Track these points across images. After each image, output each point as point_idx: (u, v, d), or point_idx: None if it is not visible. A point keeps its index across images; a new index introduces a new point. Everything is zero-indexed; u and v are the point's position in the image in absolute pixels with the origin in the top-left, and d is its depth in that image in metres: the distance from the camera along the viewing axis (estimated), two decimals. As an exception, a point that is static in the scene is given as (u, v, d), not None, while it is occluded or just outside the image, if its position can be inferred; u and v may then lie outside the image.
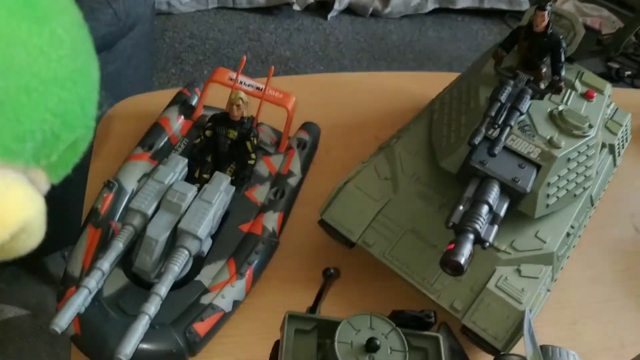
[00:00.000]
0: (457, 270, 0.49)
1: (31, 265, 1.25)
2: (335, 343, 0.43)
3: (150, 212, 0.51)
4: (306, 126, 0.71)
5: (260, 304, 0.59)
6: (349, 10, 2.26)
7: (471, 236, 0.50)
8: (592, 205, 0.68)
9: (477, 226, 0.51)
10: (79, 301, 0.46)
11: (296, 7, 2.13)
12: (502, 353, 0.54)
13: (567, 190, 0.60)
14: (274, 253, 0.60)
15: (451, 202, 0.59)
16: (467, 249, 0.49)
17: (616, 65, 2.41)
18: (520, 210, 0.58)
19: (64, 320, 0.44)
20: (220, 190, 0.54)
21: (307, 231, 0.65)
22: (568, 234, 0.62)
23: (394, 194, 0.61)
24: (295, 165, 0.66)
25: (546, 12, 0.58)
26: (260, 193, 0.63)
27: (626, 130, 0.77)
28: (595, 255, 0.74)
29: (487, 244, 0.51)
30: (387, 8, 2.26)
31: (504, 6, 2.42)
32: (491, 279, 0.56)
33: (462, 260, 0.48)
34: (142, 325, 0.45)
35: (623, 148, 0.78)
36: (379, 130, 0.80)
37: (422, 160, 0.63)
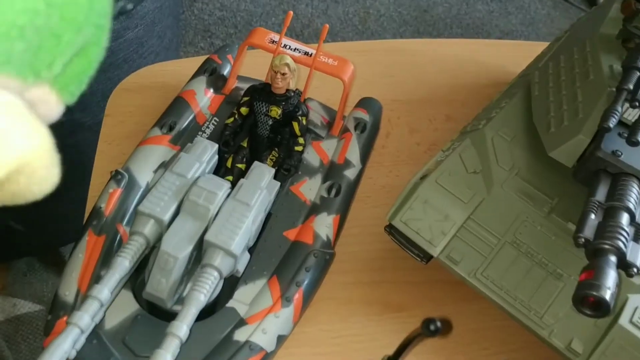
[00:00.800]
0: (600, 309, 0.34)
1: (47, 256, 1.14)
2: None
3: (167, 217, 0.38)
4: (365, 103, 0.56)
5: (310, 334, 0.45)
6: (391, -20, 2.08)
7: (614, 258, 0.36)
8: None
9: (621, 244, 0.36)
10: (66, 345, 0.33)
11: (334, -24, 1.97)
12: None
13: None
14: (329, 268, 0.46)
15: (564, 206, 0.45)
16: (611, 277, 0.34)
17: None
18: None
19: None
20: (262, 187, 0.41)
21: (367, 238, 0.52)
22: None
23: (488, 193, 0.46)
24: (354, 153, 0.51)
25: None
26: (309, 188, 0.49)
27: None
28: None
29: (635, 269, 0.36)
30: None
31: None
32: (624, 312, 0.41)
33: (608, 295, 0.34)
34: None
35: None
36: (450, 108, 0.66)
37: (522, 149, 0.48)
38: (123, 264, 0.36)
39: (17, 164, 0.19)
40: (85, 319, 0.33)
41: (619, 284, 0.35)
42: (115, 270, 0.36)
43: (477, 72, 0.71)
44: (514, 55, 0.72)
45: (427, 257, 0.46)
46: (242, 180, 0.41)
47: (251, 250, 0.43)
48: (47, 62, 0.21)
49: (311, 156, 0.51)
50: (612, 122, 0.40)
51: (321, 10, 1.95)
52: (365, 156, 0.53)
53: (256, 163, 0.43)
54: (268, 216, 0.46)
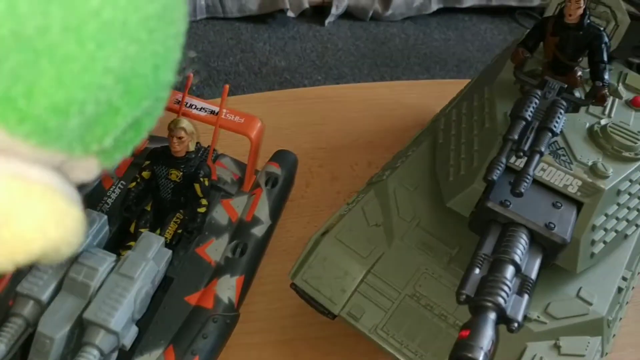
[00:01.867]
0: (475, 370, 0.34)
1: None
2: None
3: (45, 297, 0.37)
4: (278, 156, 0.56)
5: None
6: (347, 15, 2.11)
7: (492, 315, 0.36)
8: (647, 244, 0.53)
9: (501, 299, 0.36)
10: None
11: (290, 14, 1.99)
12: None
13: (616, 231, 0.46)
14: (231, 332, 0.45)
15: (464, 256, 0.45)
16: (486, 337, 0.34)
17: (637, 60, 2.24)
18: (556, 264, 0.43)
19: None
20: (148, 258, 0.40)
21: (281, 294, 0.51)
22: (620, 289, 0.47)
23: (388, 246, 0.46)
24: (263, 210, 0.51)
25: (582, -2, 0.44)
26: (215, 249, 0.48)
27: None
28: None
29: (516, 324, 0.36)
30: (388, 10, 2.11)
31: (513, 2, 2.26)
32: (523, 361, 0.41)
33: (481, 356, 0.33)
34: None
35: (677, 165, 0.62)
36: (373, 153, 0.66)
37: (424, 199, 0.49)
38: (-2, 349, 0.35)
39: (47, 249, 0.19)
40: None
41: (495, 341, 0.35)
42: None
43: (403, 114, 0.72)
44: (441, 94, 0.72)
45: (332, 314, 0.45)
46: (128, 252, 0.41)
47: (149, 318, 0.43)
48: (100, 136, 0.19)
49: (220, 215, 0.51)
50: (496, 175, 0.40)
51: (279, 47, 1.97)
52: (276, 211, 0.52)
53: (145, 233, 0.43)
54: (170, 280, 0.45)
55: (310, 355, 0.49)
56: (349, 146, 0.67)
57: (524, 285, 0.38)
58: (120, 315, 0.37)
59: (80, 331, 0.38)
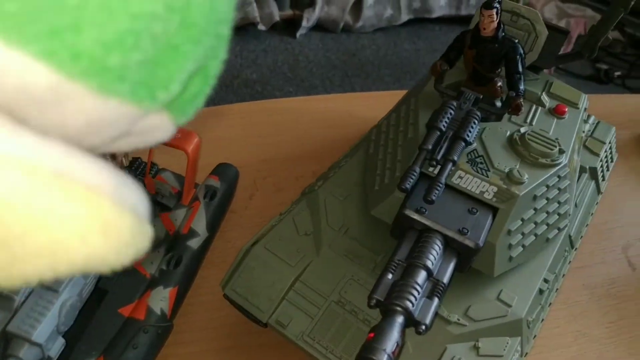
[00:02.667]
0: (379, 371, 0.35)
1: None
2: None
3: (-32, 311, 0.38)
4: (218, 169, 0.58)
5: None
6: (318, 27, 2.14)
7: (399, 319, 0.37)
8: (573, 247, 0.55)
9: (408, 303, 0.38)
10: None
11: (261, 27, 2.01)
12: None
13: (535, 235, 0.47)
14: (164, 342, 0.47)
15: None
16: (391, 340, 0.36)
17: (605, 66, 2.29)
18: (475, 268, 0.45)
19: None
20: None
21: (219, 304, 0.52)
22: (541, 291, 0.48)
23: (316, 254, 0.48)
24: (200, 222, 0.52)
25: (494, 11, 0.46)
26: (151, 262, 0.50)
27: (610, 148, 0.64)
28: (582, 304, 0.60)
29: (423, 327, 0.38)
30: (359, 22, 2.14)
31: (482, 12, 2.31)
32: (441, 363, 0.43)
33: (383, 358, 0.35)
34: None
35: (608, 170, 0.65)
36: (318, 164, 0.68)
37: (353, 208, 0.50)
38: None
39: (88, 260, 0.17)
40: None
41: (400, 344, 0.36)
42: None
43: (351, 125, 0.73)
44: (389, 106, 0.75)
45: (262, 322, 0.47)
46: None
47: (82, 329, 0.44)
48: (164, 80, 0.18)
49: (157, 228, 0.52)
50: (409, 183, 0.41)
51: (250, 60, 1.99)
52: (213, 224, 0.54)
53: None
54: (105, 293, 0.47)
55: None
56: (295, 158, 0.69)
57: (435, 289, 0.40)
58: (43, 328, 0.38)
59: (5, 344, 0.39)
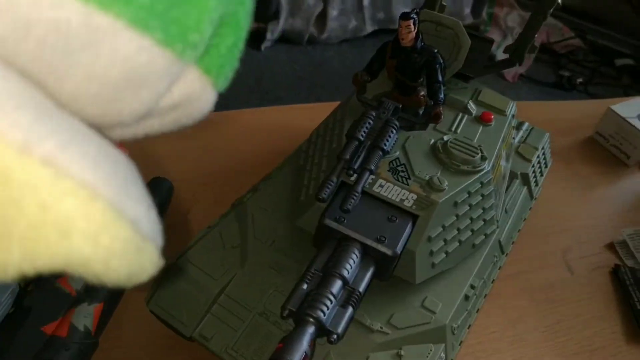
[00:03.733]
0: (285, 381, 0.35)
1: None
2: None
3: None
4: (151, 183, 0.57)
5: None
6: (283, 39, 2.15)
7: (310, 329, 0.37)
8: (503, 252, 0.56)
9: (320, 313, 0.38)
10: None
11: (226, 40, 2.02)
12: None
13: (459, 241, 0.48)
14: (89, 357, 0.46)
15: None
16: (299, 350, 0.36)
17: (567, 73, 2.33)
18: (397, 276, 0.46)
19: None
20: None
21: (147, 319, 0.52)
22: (467, 297, 0.49)
23: (241, 267, 0.48)
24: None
25: (411, 22, 0.47)
26: (76, 278, 0.49)
27: (544, 153, 0.65)
28: (520, 309, 0.61)
29: (335, 336, 0.38)
30: (324, 34, 2.16)
31: (446, 22, 2.34)
32: (363, 372, 0.43)
33: (292, 368, 0.35)
34: None
35: (542, 175, 0.66)
36: (258, 177, 0.68)
37: (281, 220, 0.51)
38: None
39: (72, 262, 0.16)
40: None
41: (309, 354, 0.36)
42: None
43: (291, 137, 0.73)
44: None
45: (187, 336, 0.47)
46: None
47: (4, 348, 0.43)
48: (194, 19, 0.17)
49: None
50: (326, 193, 0.42)
51: (215, 73, 1.99)
52: (144, 238, 0.53)
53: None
54: (29, 312, 0.46)
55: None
56: (235, 170, 0.69)
57: (351, 298, 0.40)
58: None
59: None
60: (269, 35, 2.07)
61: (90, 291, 0.48)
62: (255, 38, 2.10)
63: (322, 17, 2.14)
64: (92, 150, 0.16)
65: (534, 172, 0.63)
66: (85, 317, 0.46)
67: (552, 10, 0.53)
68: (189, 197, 0.64)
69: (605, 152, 0.85)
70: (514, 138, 0.60)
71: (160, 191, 0.57)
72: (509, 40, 2.34)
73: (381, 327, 0.45)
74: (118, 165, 0.17)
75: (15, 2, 0.14)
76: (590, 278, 0.66)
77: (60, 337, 0.45)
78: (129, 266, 0.17)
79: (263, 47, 2.09)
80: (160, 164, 0.63)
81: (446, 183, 0.46)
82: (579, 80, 2.30)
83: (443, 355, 0.45)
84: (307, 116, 0.75)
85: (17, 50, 0.15)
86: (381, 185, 0.46)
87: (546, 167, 0.67)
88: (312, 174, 0.50)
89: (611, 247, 0.70)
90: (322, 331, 0.38)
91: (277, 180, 0.54)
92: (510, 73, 2.26)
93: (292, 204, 0.51)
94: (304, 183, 0.50)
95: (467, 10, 2.34)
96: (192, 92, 0.19)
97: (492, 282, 0.54)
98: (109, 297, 0.49)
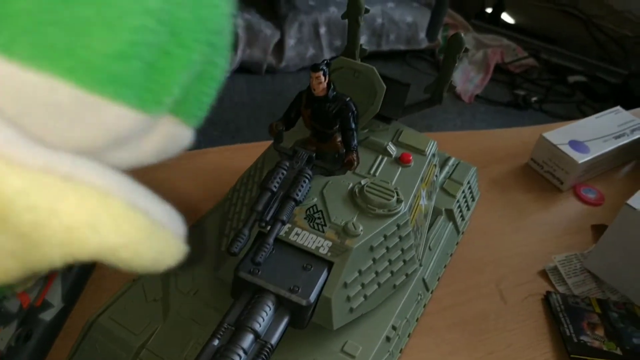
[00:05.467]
0: None
1: None
2: None
3: None
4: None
5: None
6: (242, 69, 2.17)
7: (220, 383, 0.38)
8: (428, 290, 0.57)
9: (231, 365, 0.38)
10: None
11: (183, 73, 2.03)
12: None
13: (378, 284, 0.49)
14: None
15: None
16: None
17: (522, 92, 2.39)
18: (316, 322, 0.46)
19: None
20: None
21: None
22: (388, 338, 0.50)
23: (163, 320, 0.48)
24: (55, 293, 0.52)
25: (321, 73, 0.48)
26: (1, 339, 0.49)
27: (470, 188, 0.67)
28: (452, 342, 0.62)
29: (243, 392, 0.38)
30: (282, 62, 2.18)
31: (402, 47, 2.38)
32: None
33: None
34: None
35: (469, 209, 0.68)
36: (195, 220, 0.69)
37: (204, 270, 0.51)
38: None
39: (103, 252, 0.20)
40: None
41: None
42: None
43: (230, 180, 0.74)
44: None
45: (111, 394, 0.47)
46: None
47: None
48: (165, 84, 0.20)
49: (11, 302, 0.51)
50: (237, 247, 0.43)
51: (174, 106, 1.99)
52: (72, 294, 0.54)
53: None
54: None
55: None
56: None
57: (262, 351, 0.41)
58: None
59: None
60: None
61: (13, 351, 0.48)
62: (213, 69, 2.12)
63: (280, 46, 2.17)
64: (97, 166, 0.20)
65: (459, 207, 0.64)
66: None
67: (460, 54, 0.55)
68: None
69: (540, 178, 0.87)
70: (437, 176, 0.61)
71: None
72: (465, 63, 2.40)
73: (300, 375, 0.45)
74: (121, 176, 0.21)
75: (20, 87, 0.18)
76: (523, 306, 0.68)
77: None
78: (151, 250, 0.21)
79: (221, 78, 2.10)
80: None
81: (361, 228, 0.47)
82: (534, 99, 2.36)
83: (364, 399, 0.46)
84: (243, 155, 0.77)
85: (21, 120, 0.18)
86: (297, 234, 0.47)
87: (473, 200, 0.69)
88: (232, 224, 0.51)
89: (543, 274, 0.72)
90: (231, 387, 0.38)
91: (203, 229, 0.55)
92: (466, 94, 2.31)
93: (215, 254, 0.51)
94: (225, 233, 0.51)
95: (422, 35, 2.39)
96: (168, 134, 0.23)
97: (416, 320, 0.55)
98: (33, 356, 0.48)
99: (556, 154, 0.85)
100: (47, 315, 0.51)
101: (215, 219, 0.56)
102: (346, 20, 0.59)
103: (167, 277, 0.50)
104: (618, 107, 0.96)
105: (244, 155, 0.77)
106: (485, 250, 0.73)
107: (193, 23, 0.21)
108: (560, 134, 0.87)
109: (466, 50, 0.56)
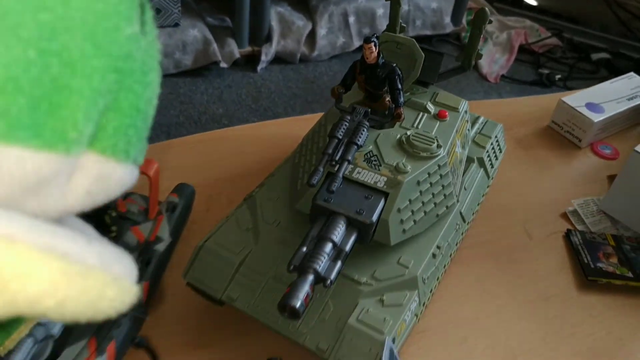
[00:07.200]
0: (294, 314, 0.48)
1: None
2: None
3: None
4: (177, 188, 0.71)
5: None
6: (277, 60, 2.30)
7: (310, 277, 0.50)
8: (465, 221, 0.69)
9: (317, 266, 0.51)
10: None
11: (223, 65, 2.16)
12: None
13: (425, 212, 0.61)
14: (141, 325, 0.59)
15: (310, 243, 0.60)
16: (303, 291, 0.49)
17: (546, 71, 2.47)
18: (377, 240, 0.59)
19: None
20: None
21: (184, 296, 0.65)
22: (434, 255, 0.62)
23: (255, 244, 0.61)
24: (164, 231, 0.66)
25: (372, 44, 0.60)
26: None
27: (497, 141, 0.79)
28: (487, 269, 0.74)
29: (329, 281, 0.51)
30: (315, 52, 2.30)
31: (428, 32, 2.48)
32: (353, 314, 0.56)
33: (297, 304, 0.48)
34: None
35: (497, 159, 0.79)
36: (263, 178, 0.81)
37: (282, 206, 0.64)
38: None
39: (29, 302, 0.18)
40: None
41: (311, 295, 0.49)
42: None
43: (290, 144, 0.87)
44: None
45: (219, 301, 0.60)
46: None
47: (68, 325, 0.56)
48: (66, 118, 0.18)
49: (129, 238, 0.65)
50: (315, 180, 0.55)
51: (216, 96, 2.13)
52: (176, 231, 0.67)
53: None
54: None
55: (218, 341, 0.62)
56: (244, 175, 0.82)
57: (339, 255, 0.53)
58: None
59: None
60: (263, 57, 2.22)
61: (139, 271, 0.61)
62: (251, 61, 2.25)
63: (312, 36, 2.29)
64: (4, 213, 0.18)
65: (488, 156, 0.76)
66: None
67: (485, 25, 0.67)
68: (206, 199, 0.77)
69: (561, 138, 0.98)
70: (469, 130, 0.73)
71: (185, 193, 0.71)
72: (489, 45, 2.49)
73: (367, 280, 0.58)
74: (39, 220, 0.19)
75: None
76: (547, 242, 0.79)
77: (120, 307, 0.58)
78: (81, 295, 0.19)
79: (259, 68, 2.23)
80: (184, 173, 0.76)
81: (409, 167, 0.59)
82: (558, 76, 2.44)
83: (416, 299, 0.58)
84: (301, 126, 0.89)
85: None
86: (358, 172, 0.59)
87: (500, 152, 0.80)
88: (304, 169, 0.63)
89: (564, 216, 0.83)
90: (319, 279, 0.51)
91: (278, 177, 0.68)
92: (492, 75, 2.40)
93: (291, 193, 0.64)
94: (299, 176, 0.64)
95: (447, 20, 2.48)
96: (96, 173, 0.20)
97: (456, 245, 0.67)
98: (153, 276, 0.62)
99: (574, 115, 0.95)
100: (160, 247, 0.64)
101: (285, 171, 0.69)
102: (374, 8, 0.71)
103: (255, 212, 0.63)
104: (631, 73, 1.06)
105: (296, 125, 0.89)
106: (512, 198, 0.84)
107: (89, 50, 0.19)
108: (577, 98, 0.98)
109: (490, 22, 0.67)
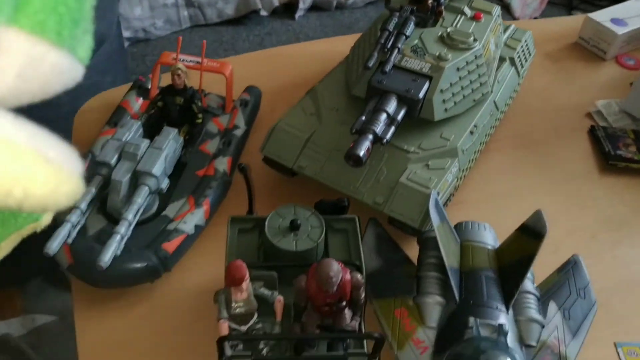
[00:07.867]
0: (357, 162, 0.60)
1: (54, 276, 1.38)
2: (266, 227, 0.55)
3: (113, 162, 0.64)
4: (248, 89, 0.83)
5: (222, 233, 0.71)
6: (314, 7, 2.38)
7: (370, 136, 0.62)
8: (498, 109, 0.79)
9: (375, 128, 0.62)
10: (64, 232, 0.58)
11: (263, 13, 2.26)
12: (423, 231, 0.65)
13: (463, 95, 0.72)
14: (228, 189, 0.72)
15: (366, 122, 0.71)
16: (364, 145, 0.60)
17: (579, 13, 2.50)
18: (423, 117, 0.69)
19: (53, 245, 0.57)
20: (169, 138, 0.67)
21: (257, 173, 0.77)
22: (472, 132, 0.73)
23: (319, 124, 0.72)
24: (240, 120, 0.78)
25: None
26: (211, 146, 0.75)
27: (526, 44, 0.88)
28: (520, 156, 0.84)
29: (385, 140, 0.62)
30: (350, -1, 2.38)
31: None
32: (403, 175, 0.67)
33: (361, 153, 0.60)
34: (115, 241, 0.58)
35: (527, 61, 0.89)
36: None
37: (340, 95, 0.75)
38: (91, 190, 0.62)
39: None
40: (73, 217, 0.59)
41: (370, 149, 0.61)
42: (87, 193, 0.62)
43: (339, 60, 0.98)
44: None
45: (289, 172, 0.72)
46: (156, 137, 0.67)
47: (175, 183, 0.69)
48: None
49: (212, 127, 0.77)
50: (371, 63, 0.66)
51: (257, 43, 2.23)
52: (249, 121, 0.79)
53: (165, 127, 0.69)
54: (185, 165, 0.72)
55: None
56: (299, 84, 0.93)
57: (392, 122, 0.64)
58: (158, 166, 0.63)
59: (135, 180, 0.64)
60: (301, 5, 2.31)
61: (222, 150, 0.73)
62: (289, 9, 2.34)
63: (347, -17, 2.36)
64: None
65: (519, 57, 0.85)
66: (222, 164, 0.72)
67: None
68: (271, 100, 0.88)
69: (587, 52, 1.06)
70: (501, 32, 0.82)
71: (254, 93, 0.82)
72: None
73: (414, 150, 0.69)
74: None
75: None
76: (573, 136, 0.89)
77: (211, 175, 0.70)
78: (42, 186, 0.20)
79: (297, 16, 2.32)
80: (252, 79, 0.88)
81: (450, 56, 0.70)
82: (591, 17, 2.47)
83: (457, 165, 0.69)
84: (350, 43, 1.00)
85: None
86: (406, 60, 0.70)
87: (530, 55, 0.89)
88: (358, 64, 0.74)
89: (589, 115, 0.93)
90: (376, 138, 0.62)
91: (335, 72, 0.79)
92: (525, 18, 2.44)
93: (348, 81, 0.75)
94: (354, 68, 0.75)
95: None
96: (28, 53, 0.20)
97: (491, 128, 0.77)
98: (234, 153, 0.74)
99: (600, 29, 1.03)
100: (238, 132, 0.76)
101: (341, 69, 0.79)
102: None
103: (317, 100, 0.74)
104: (655, -8, 1.13)
105: (346, 43, 0.99)
106: (542, 102, 0.94)
107: None
108: (603, 14, 1.05)
109: None
